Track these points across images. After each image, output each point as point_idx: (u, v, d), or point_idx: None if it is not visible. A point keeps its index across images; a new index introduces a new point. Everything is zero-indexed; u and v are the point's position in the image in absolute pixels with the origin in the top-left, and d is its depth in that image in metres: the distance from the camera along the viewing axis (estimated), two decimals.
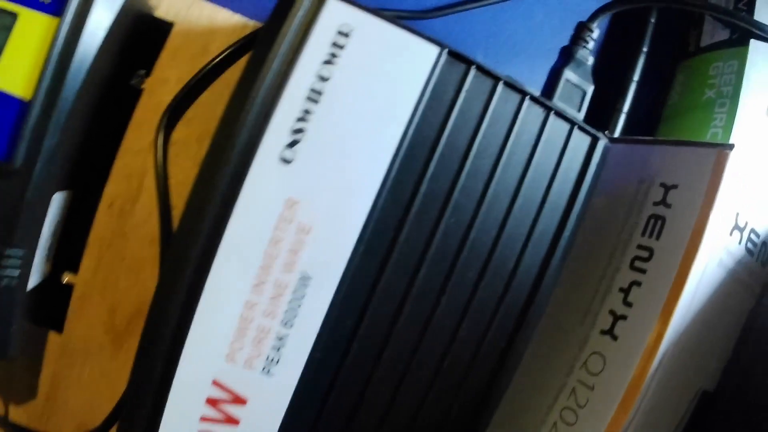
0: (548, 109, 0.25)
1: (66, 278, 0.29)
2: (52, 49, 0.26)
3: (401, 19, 0.32)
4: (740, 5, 0.33)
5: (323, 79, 0.24)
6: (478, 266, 0.25)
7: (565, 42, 0.29)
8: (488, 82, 0.25)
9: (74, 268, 0.29)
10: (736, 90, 0.31)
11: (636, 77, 0.34)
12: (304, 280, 0.24)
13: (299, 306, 0.24)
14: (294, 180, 0.24)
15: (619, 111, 0.34)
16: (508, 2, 0.33)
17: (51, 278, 0.29)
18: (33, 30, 0.26)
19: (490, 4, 0.33)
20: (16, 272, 0.26)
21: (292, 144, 0.24)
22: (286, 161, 0.24)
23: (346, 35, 0.24)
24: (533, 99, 0.25)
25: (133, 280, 0.29)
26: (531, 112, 0.25)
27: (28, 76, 0.26)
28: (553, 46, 0.32)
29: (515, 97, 0.25)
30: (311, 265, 0.24)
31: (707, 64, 0.34)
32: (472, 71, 0.25)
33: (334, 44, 0.24)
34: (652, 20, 0.35)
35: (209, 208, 0.24)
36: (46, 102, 0.26)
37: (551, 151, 0.25)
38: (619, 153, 0.28)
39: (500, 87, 0.25)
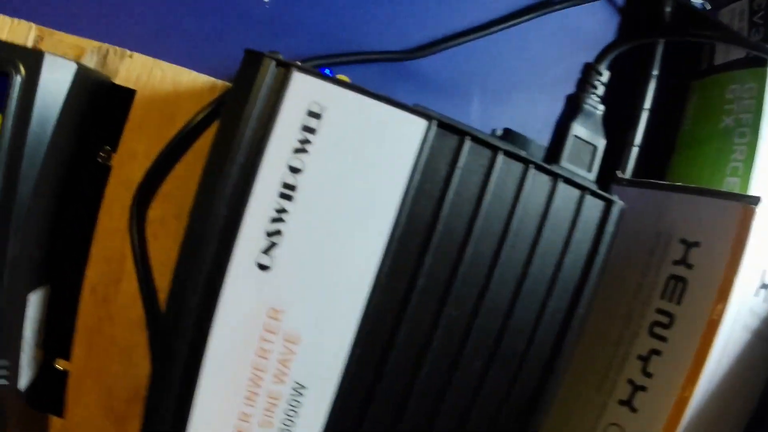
0: (556, 177, 0.19)
1: (59, 365, 0.24)
2: None
3: (385, 61, 0.25)
4: (756, 19, 0.25)
5: (295, 170, 0.18)
6: (484, 356, 0.20)
7: (566, 72, 0.22)
8: (486, 154, 0.19)
9: (66, 354, 0.24)
10: (757, 118, 0.24)
11: (647, 105, 0.27)
12: (298, 389, 0.19)
13: (296, 414, 0.19)
14: (274, 288, 0.18)
15: (631, 145, 0.27)
16: (499, 33, 0.26)
17: (45, 364, 0.25)
18: None
19: (480, 36, 0.26)
20: (4, 381, 0.22)
21: (269, 248, 0.18)
22: (264, 267, 0.18)
23: (317, 116, 0.18)
24: (539, 167, 0.19)
25: (126, 364, 0.24)
26: (536, 182, 0.19)
27: None
28: (554, 76, 0.26)
29: (518, 168, 0.19)
30: (304, 374, 0.19)
31: (722, 86, 0.27)
32: (467, 143, 0.19)
33: (305, 128, 0.18)
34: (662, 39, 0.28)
35: (186, 323, 0.18)
36: (0, 208, 0.20)
37: (561, 223, 0.20)
38: (632, 198, 0.22)
39: (500, 158, 0.19)
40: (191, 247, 0.18)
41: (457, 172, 0.19)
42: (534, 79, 0.27)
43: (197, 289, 0.18)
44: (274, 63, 0.18)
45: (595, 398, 0.22)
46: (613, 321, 0.23)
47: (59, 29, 0.24)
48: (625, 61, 0.22)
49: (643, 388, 0.21)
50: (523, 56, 0.27)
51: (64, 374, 0.24)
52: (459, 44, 0.25)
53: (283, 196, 0.18)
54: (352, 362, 0.19)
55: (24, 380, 0.23)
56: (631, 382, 0.21)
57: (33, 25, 0.24)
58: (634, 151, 0.27)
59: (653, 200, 0.22)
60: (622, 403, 0.22)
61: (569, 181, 0.19)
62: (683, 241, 0.21)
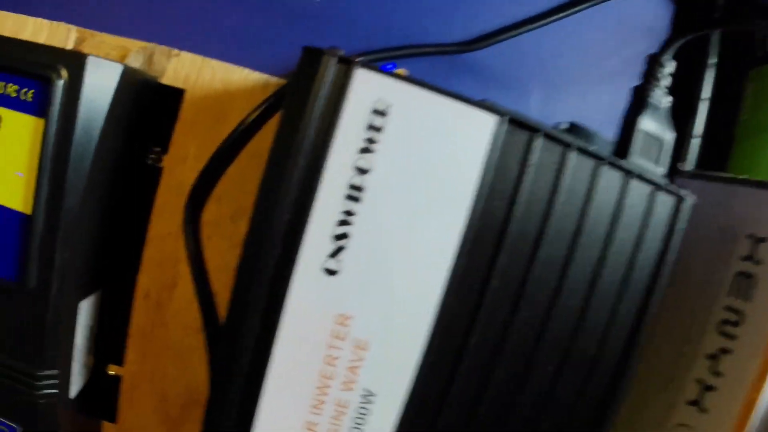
0: (629, 173, 0.18)
1: (112, 370, 0.23)
2: (43, 156, 0.18)
3: (440, 54, 0.23)
4: None
5: (363, 171, 0.16)
6: (556, 359, 0.18)
7: (625, 62, 0.21)
8: (558, 150, 0.17)
9: (118, 360, 0.23)
10: None
11: (706, 95, 0.25)
12: (368, 396, 0.18)
13: (364, 422, 0.18)
14: (342, 293, 0.17)
15: (690, 136, 0.25)
16: (556, 23, 0.24)
17: (96, 370, 0.23)
18: (19, 134, 0.18)
19: (537, 27, 0.24)
20: (54, 390, 0.20)
21: (336, 252, 0.17)
22: (331, 272, 0.17)
23: (383, 114, 0.16)
24: (612, 164, 0.18)
25: (181, 369, 0.23)
26: (608, 179, 0.18)
27: (24, 187, 0.19)
28: (613, 66, 0.24)
29: (590, 164, 0.18)
30: (373, 381, 0.18)
31: None
32: (539, 140, 0.17)
33: (371, 127, 0.16)
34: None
35: (249, 334, 0.17)
36: (48, 215, 0.19)
37: (632, 220, 0.18)
38: (696, 191, 0.21)
39: (572, 155, 0.17)
40: (253, 254, 0.17)
41: (530, 170, 0.17)
42: (593, 69, 0.25)
43: (260, 298, 0.17)
44: (335, 60, 0.17)
45: (662, 398, 0.21)
46: (680, 319, 0.21)
47: (101, 30, 0.23)
48: (681, 50, 0.21)
49: (712, 388, 0.20)
50: (581, 46, 0.25)
51: (116, 380, 0.23)
52: (515, 35, 0.24)
53: (350, 197, 0.16)
54: (423, 367, 0.18)
55: (75, 387, 0.22)
56: (699, 381, 0.20)
57: (73, 27, 0.23)
58: (695, 142, 0.25)
59: (717, 194, 0.21)
60: (690, 403, 0.20)
61: (642, 178, 0.18)
62: (750, 236, 0.20)
